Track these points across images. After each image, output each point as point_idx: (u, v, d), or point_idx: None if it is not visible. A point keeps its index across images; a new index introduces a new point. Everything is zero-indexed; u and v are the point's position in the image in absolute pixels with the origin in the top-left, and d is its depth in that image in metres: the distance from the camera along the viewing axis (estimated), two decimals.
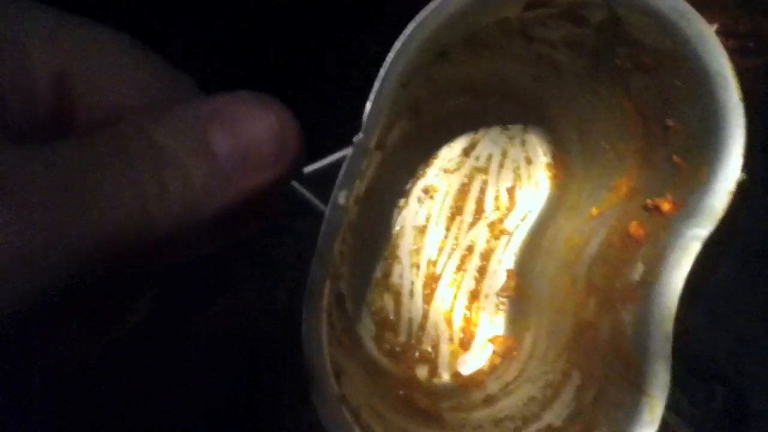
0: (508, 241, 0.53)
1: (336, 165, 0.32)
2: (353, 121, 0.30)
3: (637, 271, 0.36)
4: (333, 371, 0.33)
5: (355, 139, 0.31)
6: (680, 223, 0.35)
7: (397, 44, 0.31)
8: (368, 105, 0.31)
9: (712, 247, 0.32)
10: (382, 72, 0.31)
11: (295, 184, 0.32)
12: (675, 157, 0.36)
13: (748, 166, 0.31)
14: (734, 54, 0.29)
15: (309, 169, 0.32)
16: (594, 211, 0.44)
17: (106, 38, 0.27)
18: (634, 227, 0.38)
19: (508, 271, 0.53)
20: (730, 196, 0.33)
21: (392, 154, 0.51)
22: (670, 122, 0.36)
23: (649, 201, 0.38)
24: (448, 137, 0.52)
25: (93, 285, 0.23)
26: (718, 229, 0.32)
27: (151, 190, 0.24)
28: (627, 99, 0.39)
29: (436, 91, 0.49)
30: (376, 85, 0.31)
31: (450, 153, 0.52)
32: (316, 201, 0.32)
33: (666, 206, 0.36)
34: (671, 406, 0.30)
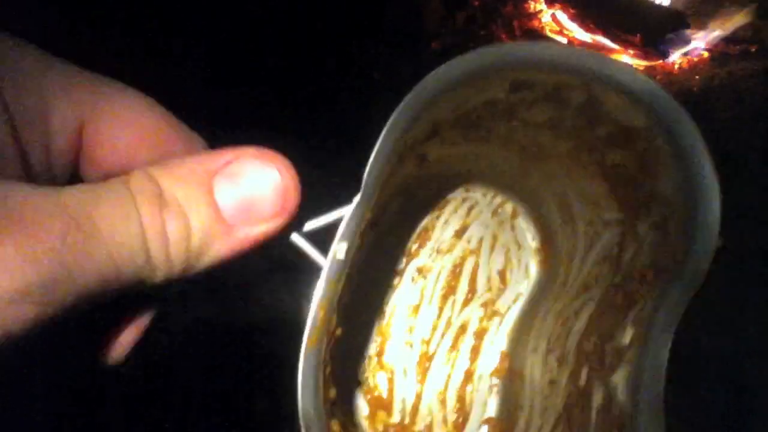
0: (501, 321, 0.54)
1: (335, 224, 0.34)
2: (353, 182, 0.32)
3: (627, 335, 0.37)
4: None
5: (355, 198, 0.33)
6: (665, 289, 0.36)
7: (394, 114, 0.34)
8: (368, 165, 0.33)
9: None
10: (382, 134, 0.33)
11: (295, 238, 0.33)
12: (656, 229, 0.38)
13: (755, 172, 0.33)
14: (736, 58, 0.31)
15: (310, 226, 0.34)
16: (582, 288, 0.46)
17: (121, 95, 0.30)
18: (621, 297, 0.39)
19: (502, 353, 0.53)
20: (711, 260, 0.35)
21: (386, 235, 0.53)
22: (649, 197, 0.39)
23: (635, 272, 0.39)
24: (440, 219, 0.54)
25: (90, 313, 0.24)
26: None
27: (152, 233, 0.25)
28: (606, 176, 0.42)
29: (428, 175, 0.52)
30: (375, 148, 0.33)
31: (442, 235, 0.54)
32: (315, 255, 0.33)
33: (651, 275, 0.38)
34: (674, 409, 0.30)
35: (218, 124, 0.31)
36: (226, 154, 0.29)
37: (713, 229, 0.35)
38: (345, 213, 0.33)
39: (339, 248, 0.33)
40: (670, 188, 0.37)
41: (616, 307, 0.40)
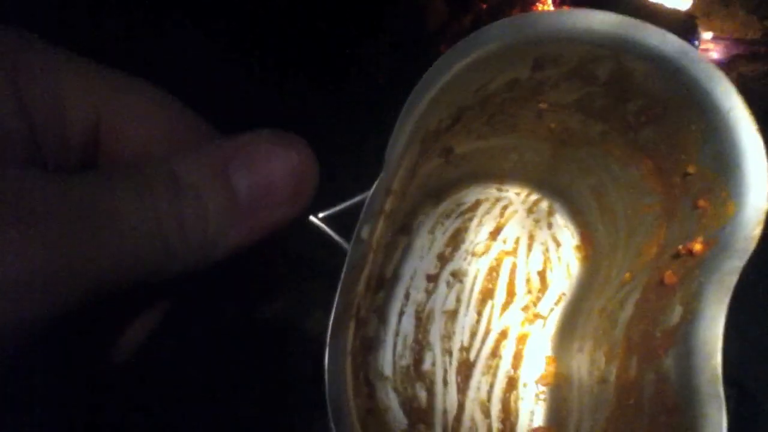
0: (543, 325, 0.51)
1: (357, 208, 0.33)
2: (376, 167, 0.31)
3: (676, 314, 0.35)
4: (359, 419, 0.32)
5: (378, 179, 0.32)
6: (714, 259, 0.34)
7: (414, 90, 0.33)
8: (389, 142, 0.32)
9: None
10: (401, 114, 0.32)
11: (315, 221, 0.32)
12: (700, 202, 0.36)
13: None
14: (745, 61, 0.30)
15: (331, 211, 0.33)
16: (627, 276, 0.43)
17: (134, 88, 0.29)
18: (668, 276, 0.37)
19: (547, 357, 0.50)
20: (762, 225, 0.32)
21: (418, 239, 0.51)
22: (689, 169, 0.37)
23: (681, 247, 0.37)
24: (473, 221, 0.52)
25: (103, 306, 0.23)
26: None
27: (168, 219, 0.24)
28: (642, 156, 0.40)
29: (458, 175, 0.50)
30: (396, 126, 0.32)
31: (476, 237, 0.52)
32: (338, 238, 0.32)
33: (698, 248, 0.35)
34: None
35: (219, 125, 0.31)
36: (242, 139, 0.28)
37: (761, 190, 0.33)
38: (367, 196, 0.32)
39: (363, 228, 0.32)
40: (709, 157, 0.35)
41: (663, 287, 0.37)
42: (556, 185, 0.51)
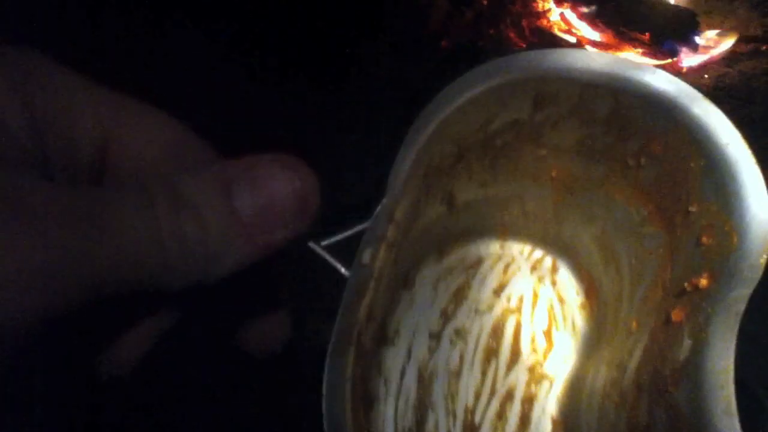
0: (550, 385, 0.49)
1: (359, 236, 0.33)
2: (375, 169, 0.32)
3: (684, 349, 0.34)
4: None
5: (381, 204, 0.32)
6: (721, 290, 0.33)
7: (416, 120, 0.34)
8: (393, 167, 0.32)
9: None
10: (405, 140, 0.33)
11: (316, 248, 0.32)
12: (704, 238, 0.36)
13: None
14: (746, 57, 0.30)
15: (332, 239, 0.33)
16: (634, 325, 0.42)
17: (142, 110, 0.31)
18: (675, 313, 0.36)
19: (553, 420, 0.48)
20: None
21: (421, 294, 0.51)
22: (691, 207, 0.37)
23: (688, 284, 0.36)
24: (476, 278, 0.52)
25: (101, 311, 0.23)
26: None
27: (168, 232, 0.25)
28: (644, 198, 0.40)
29: (460, 229, 0.50)
30: (399, 153, 0.33)
31: (480, 293, 0.51)
32: (338, 266, 0.32)
33: (704, 282, 0.35)
34: None
35: (219, 126, 0.31)
36: (245, 161, 0.29)
37: (765, 219, 0.33)
38: (370, 223, 0.33)
39: (365, 252, 0.31)
40: (710, 192, 0.35)
41: (670, 325, 0.36)
42: (559, 239, 0.51)
